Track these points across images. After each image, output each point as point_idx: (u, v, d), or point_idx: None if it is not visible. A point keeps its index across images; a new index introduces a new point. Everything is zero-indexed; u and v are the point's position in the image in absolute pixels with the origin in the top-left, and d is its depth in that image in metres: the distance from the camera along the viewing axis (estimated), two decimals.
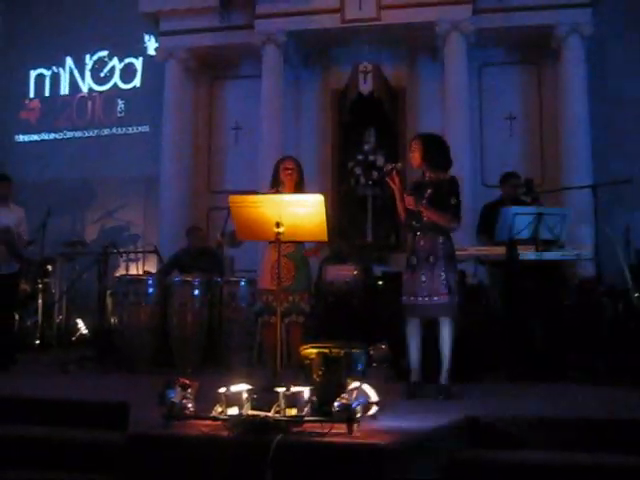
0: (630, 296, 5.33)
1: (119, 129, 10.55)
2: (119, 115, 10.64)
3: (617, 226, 6.94)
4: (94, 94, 10.79)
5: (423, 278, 4.60)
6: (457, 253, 4.83)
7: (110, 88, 10.72)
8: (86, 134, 10.66)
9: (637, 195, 7.79)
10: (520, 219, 5.40)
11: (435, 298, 4.55)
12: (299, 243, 4.84)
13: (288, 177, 5.00)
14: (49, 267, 8.54)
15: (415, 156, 4.78)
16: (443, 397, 4.48)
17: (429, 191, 4.70)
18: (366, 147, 9.19)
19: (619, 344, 5.35)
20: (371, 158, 9.01)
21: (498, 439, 3.67)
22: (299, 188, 5.01)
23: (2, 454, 3.75)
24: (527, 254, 5.57)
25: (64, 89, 10.94)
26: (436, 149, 4.80)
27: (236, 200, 4.20)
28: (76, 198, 10.19)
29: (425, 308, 4.59)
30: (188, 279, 6.46)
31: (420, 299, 4.58)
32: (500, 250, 5.76)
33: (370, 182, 8.87)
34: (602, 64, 8.83)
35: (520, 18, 8.72)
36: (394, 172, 4.74)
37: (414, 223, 4.72)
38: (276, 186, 5.05)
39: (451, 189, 4.71)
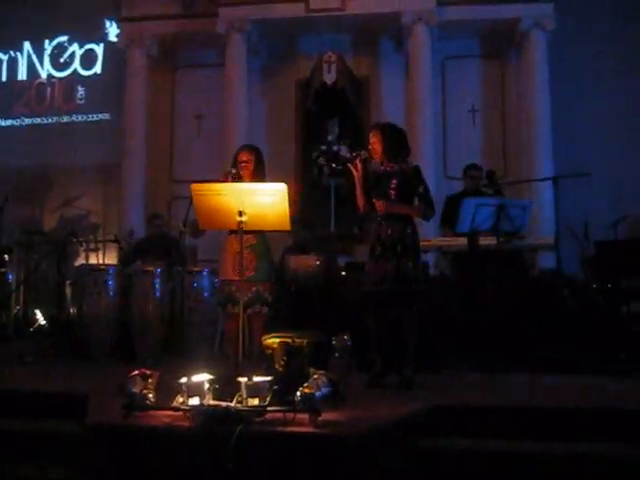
0: (590, 287, 5.40)
1: (79, 116, 10.35)
2: (79, 102, 10.44)
3: (577, 218, 7.04)
4: (53, 80, 10.56)
5: (389, 267, 4.57)
6: (421, 244, 4.83)
7: (70, 74, 10.49)
8: (45, 121, 10.44)
9: (596, 188, 7.91)
10: (482, 210, 5.42)
11: (399, 287, 4.53)
12: (260, 234, 4.76)
13: (244, 169, 4.78)
14: (6, 256, 8.34)
15: (375, 147, 4.74)
16: (406, 387, 4.48)
17: (394, 181, 4.66)
18: (330, 137, 9.17)
19: (580, 334, 5.42)
20: (335, 148, 8.99)
21: (461, 428, 3.69)
22: (257, 177, 4.79)
23: None
24: (489, 245, 5.62)
25: (22, 74, 10.68)
26: (396, 139, 4.77)
27: (198, 188, 4.15)
28: (34, 186, 9.99)
29: (389, 297, 4.58)
30: (149, 268, 6.37)
31: (384, 288, 4.56)
32: (462, 241, 5.80)
33: (334, 172, 8.85)
34: (564, 59, 8.91)
35: (484, 11, 8.80)
36: (358, 159, 4.73)
37: (379, 214, 4.69)
38: (232, 174, 4.74)
39: (418, 178, 4.71)
